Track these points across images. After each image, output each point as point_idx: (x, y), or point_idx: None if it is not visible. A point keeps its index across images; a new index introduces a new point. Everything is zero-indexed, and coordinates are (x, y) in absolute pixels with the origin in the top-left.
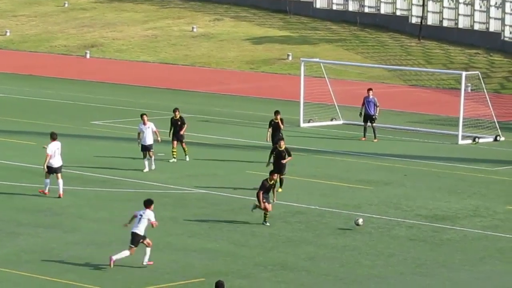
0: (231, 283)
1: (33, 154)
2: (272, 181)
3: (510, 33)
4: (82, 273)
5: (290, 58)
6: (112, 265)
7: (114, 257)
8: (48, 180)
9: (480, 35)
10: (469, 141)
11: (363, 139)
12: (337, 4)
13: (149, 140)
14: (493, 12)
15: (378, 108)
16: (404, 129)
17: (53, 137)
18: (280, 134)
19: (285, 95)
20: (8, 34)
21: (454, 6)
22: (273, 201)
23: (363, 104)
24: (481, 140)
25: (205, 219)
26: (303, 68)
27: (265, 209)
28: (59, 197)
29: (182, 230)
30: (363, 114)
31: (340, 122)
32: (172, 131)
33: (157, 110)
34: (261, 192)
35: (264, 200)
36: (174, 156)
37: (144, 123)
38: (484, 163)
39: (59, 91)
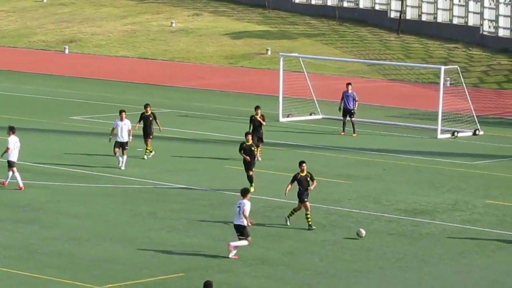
0: (211, 278)
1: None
2: (304, 172)
3: (489, 27)
4: (61, 268)
5: (269, 52)
6: (232, 253)
7: (233, 244)
8: (10, 173)
9: (459, 29)
10: (448, 135)
11: (342, 133)
12: None
13: (125, 137)
14: (472, 6)
15: (357, 103)
16: (383, 124)
17: (13, 130)
18: (261, 130)
19: (264, 89)
20: None
21: (433, 1)
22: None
23: (342, 98)
24: (460, 134)
25: (184, 214)
26: (282, 62)
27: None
28: (20, 189)
29: (161, 225)
30: (342, 108)
31: (319, 116)
32: (143, 127)
33: (136, 105)
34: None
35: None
36: (148, 151)
37: (122, 119)
38: (463, 157)
39: (38, 87)
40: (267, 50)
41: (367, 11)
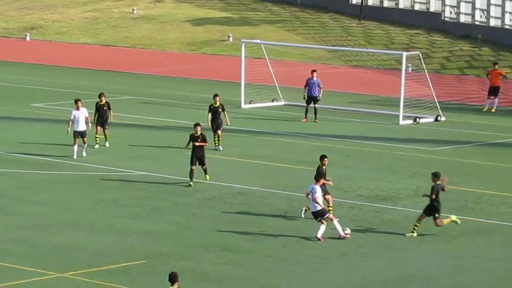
0: (173, 265)
1: None
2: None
3: (450, 13)
4: (24, 256)
5: (231, 39)
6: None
7: (319, 235)
8: None
9: (421, 15)
10: (410, 121)
11: (304, 120)
12: None
13: (82, 126)
14: None
15: (321, 90)
16: (345, 110)
17: None
18: (220, 120)
19: (226, 76)
20: None
21: None
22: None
23: (306, 85)
24: (422, 120)
25: (146, 201)
26: (244, 49)
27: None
28: None
29: (124, 212)
30: (307, 96)
31: (281, 103)
32: (96, 117)
33: (97, 92)
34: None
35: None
36: (97, 142)
37: (78, 109)
38: (425, 143)
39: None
40: (228, 36)
41: None
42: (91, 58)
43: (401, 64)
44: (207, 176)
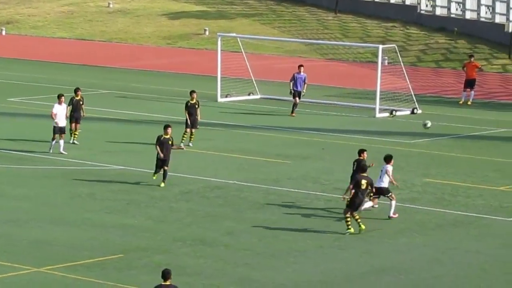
0: (150, 259)
1: None
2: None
3: (426, 6)
4: (0, 251)
5: (207, 33)
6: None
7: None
8: None
9: (397, 8)
10: (387, 114)
11: (293, 115)
12: None
13: (63, 121)
14: None
15: (305, 85)
16: (322, 103)
17: None
18: (197, 117)
19: (202, 70)
20: None
21: None
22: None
23: (292, 80)
24: (398, 113)
25: (123, 195)
26: (220, 43)
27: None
28: None
29: (100, 206)
30: (292, 90)
31: (258, 96)
32: (71, 112)
33: (73, 86)
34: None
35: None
36: (75, 137)
37: (60, 103)
38: (402, 136)
39: None
40: (205, 30)
41: None
42: (67, 52)
43: (377, 57)
44: (162, 184)
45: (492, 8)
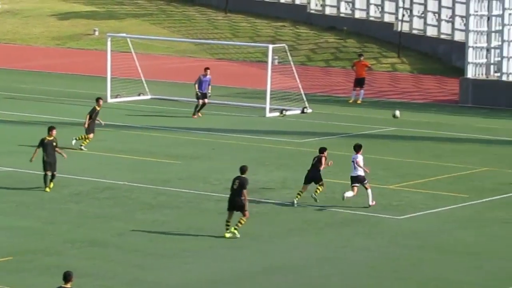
0: (40, 262)
1: None
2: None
3: (316, 5)
4: None
5: (97, 33)
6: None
7: (346, 194)
8: None
9: (287, 7)
10: (277, 114)
11: (195, 116)
12: None
13: None
14: None
15: (209, 86)
16: (212, 103)
17: None
18: (97, 121)
19: (93, 70)
20: None
21: None
22: None
23: (197, 82)
24: (288, 113)
25: (12, 197)
26: (110, 43)
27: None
28: None
29: None
30: (199, 93)
31: (148, 97)
32: None
33: None
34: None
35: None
36: None
37: None
38: (292, 135)
39: None
40: (94, 30)
41: None
42: None
43: (267, 56)
44: (49, 188)
45: (381, 7)
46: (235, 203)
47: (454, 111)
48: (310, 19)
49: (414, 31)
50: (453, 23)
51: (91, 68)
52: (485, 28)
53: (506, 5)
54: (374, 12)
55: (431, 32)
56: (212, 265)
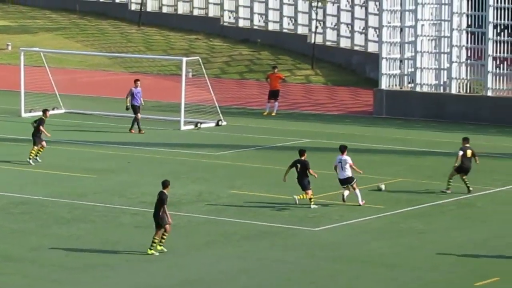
0: None
1: None
2: None
3: (229, 17)
4: None
5: (10, 47)
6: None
7: (345, 195)
8: None
9: (200, 20)
10: (192, 127)
11: (133, 131)
12: None
13: None
14: None
15: (141, 98)
16: (126, 117)
17: None
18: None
19: (5, 85)
20: None
21: None
22: None
23: (129, 96)
24: (203, 125)
25: None
26: (23, 57)
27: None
28: None
29: None
30: (130, 106)
31: (62, 110)
32: None
33: None
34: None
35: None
36: None
37: None
38: (207, 148)
39: None
40: (7, 45)
41: (108, 4)
42: None
43: (181, 69)
44: None
45: (294, 19)
46: (154, 219)
47: (369, 122)
48: (223, 31)
49: (328, 43)
50: (366, 35)
51: (5, 82)
52: (398, 39)
53: (419, 16)
54: (287, 24)
55: (344, 43)
56: (129, 279)
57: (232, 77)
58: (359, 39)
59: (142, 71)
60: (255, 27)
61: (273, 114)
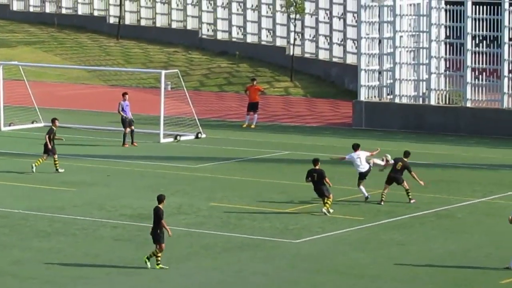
0: None
1: None
2: None
3: (208, 30)
4: None
5: None
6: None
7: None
8: None
9: (179, 33)
10: (171, 139)
11: (126, 145)
12: (34, 6)
13: None
14: (190, 10)
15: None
16: (106, 130)
17: None
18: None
19: None
20: None
21: (152, 6)
22: None
23: (121, 109)
24: (182, 138)
25: None
26: (2, 71)
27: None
28: None
29: None
30: (126, 116)
31: (41, 124)
32: None
33: None
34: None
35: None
36: None
37: None
38: (187, 161)
39: None
40: None
41: (86, 17)
42: None
43: (160, 82)
44: None
45: (272, 31)
46: (152, 236)
47: (348, 134)
48: (202, 44)
49: (306, 55)
50: (344, 46)
51: None
52: (377, 51)
53: (397, 28)
54: (265, 37)
55: (323, 55)
56: None
57: (211, 89)
58: (337, 51)
59: (121, 84)
60: (233, 39)
61: (253, 126)
